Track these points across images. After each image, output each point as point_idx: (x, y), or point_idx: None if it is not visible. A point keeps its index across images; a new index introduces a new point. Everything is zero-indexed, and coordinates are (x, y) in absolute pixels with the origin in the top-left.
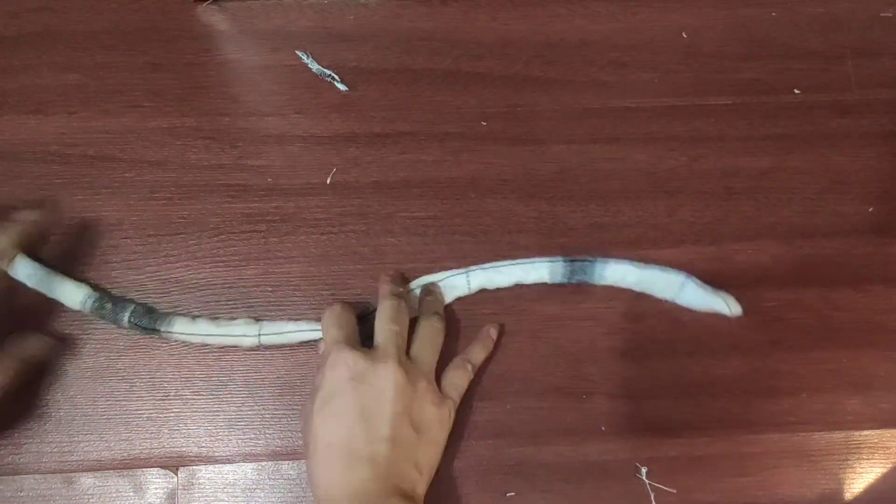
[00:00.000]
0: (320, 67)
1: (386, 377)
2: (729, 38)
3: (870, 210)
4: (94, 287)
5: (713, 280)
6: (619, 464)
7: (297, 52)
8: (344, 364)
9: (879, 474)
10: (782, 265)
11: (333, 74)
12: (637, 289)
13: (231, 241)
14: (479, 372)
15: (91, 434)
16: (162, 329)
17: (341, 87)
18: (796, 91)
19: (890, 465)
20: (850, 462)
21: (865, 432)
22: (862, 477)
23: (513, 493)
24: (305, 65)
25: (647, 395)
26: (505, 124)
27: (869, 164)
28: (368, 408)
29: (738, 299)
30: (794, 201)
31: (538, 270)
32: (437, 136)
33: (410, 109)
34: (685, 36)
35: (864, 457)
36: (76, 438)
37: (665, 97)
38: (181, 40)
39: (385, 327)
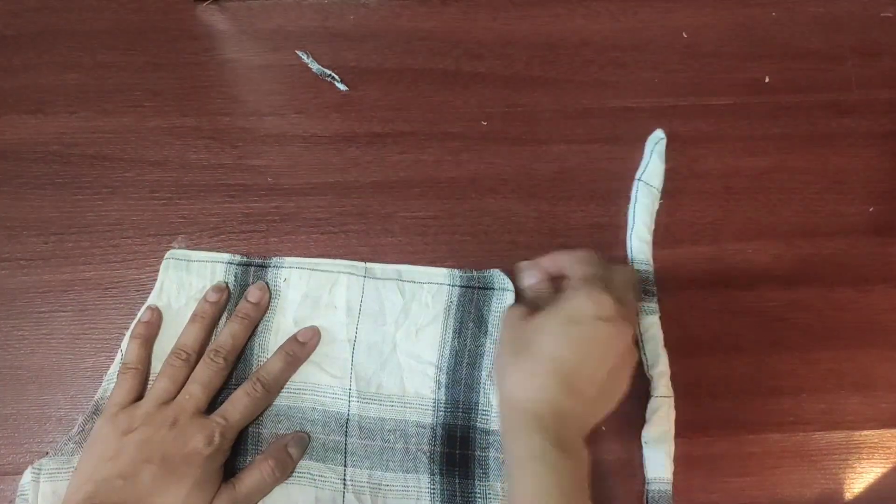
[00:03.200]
0: (320, 67)
1: (626, 336)
2: (729, 38)
3: (870, 210)
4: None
5: (713, 280)
6: (619, 464)
7: (297, 52)
8: (597, 302)
9: (879, 474)
10: (782, 265)
11: (333, 74)
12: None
13: (231, 241)
14: None
15: None
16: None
17: (341, 87)
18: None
19: (890, 465)
20: (850, 462)
21: (865, 432)
22: (862, 477)
23: None
24: (305, 65)
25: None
26: (505, 124)
27: (869, 164)
28: (601, 352)
29: (738, 299)
30: (794, 201)
31: None
32: (437, 136)
33: (410, 109)
34: (685, 36)
35: (864, 457)
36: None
37: (665, 97)
38: (181, 40)
39: (624, 294)
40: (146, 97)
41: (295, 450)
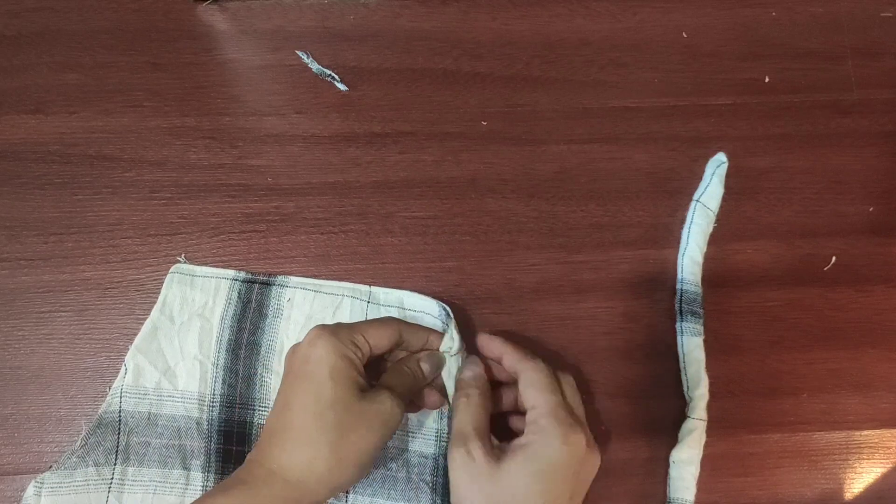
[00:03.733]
0: (320, 67)
1: (597, 465)
2: (729, 38)
3: (870, 210)
4: None
5: (713, 280)
6: (619, 464)
7: (297, 52)
8: (574, 448)
9: (879, 474)
10: (782, 265)
11: (333, 74)
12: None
13: (231, 241)
14: None
15: None
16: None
17: (341, 87)
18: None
19: (890, 465)
20: (850, 462)
21: (865, 432)
22: (862, 477)
23: None
24: (305, 65)
25: (647, 395)
26: (505, 124)
27: (869, 164)
28: (581, 494)
29: (738, 299)
30: (794, 201)
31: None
32: (437, 136)
33: (410, 109)
34: (685, 36)
35: (864, 457)
36: (76, 438)
37: (665, 97)
38: (181, 40)
39: (577, 406)
40: (146, 97)
41: (427, 364)
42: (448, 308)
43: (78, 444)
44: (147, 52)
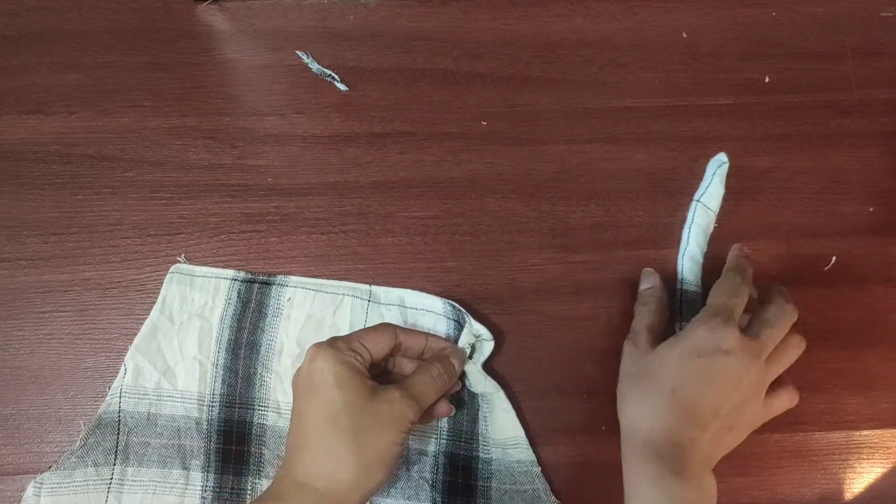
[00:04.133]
0: (320, 67)
1: (750, 370)
2: (729, 38)
3: (870, 210)
4: None
5: (714, 280)
6: (619, 464)
7: (297, 52)
8: (719, 336)
9: (879, 474)
10: (782, 265)
11: (333, 74)
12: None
13: (231, 241)
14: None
15: None
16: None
17: (341, 87)
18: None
19: (890, 465)
20: (850, 462)
21: (865, 432)
22: (862, 477)
23: None
24: (305, 65)
25: None
26: (505, 124)
27: (869, 164)
28: (723, 385)
29: None
30: (794, 201)
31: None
32: (437, 136)
33: (410, 109)
34: (685, 36)
35: (864, 457)
36: (76, 438)
37: (665, 97)
38: (181, 40)
39: (763, 328)
40: (146, 97)
41: (456, 361)
42: (454, 303)
43: (77, 444)
44: (147, 51)
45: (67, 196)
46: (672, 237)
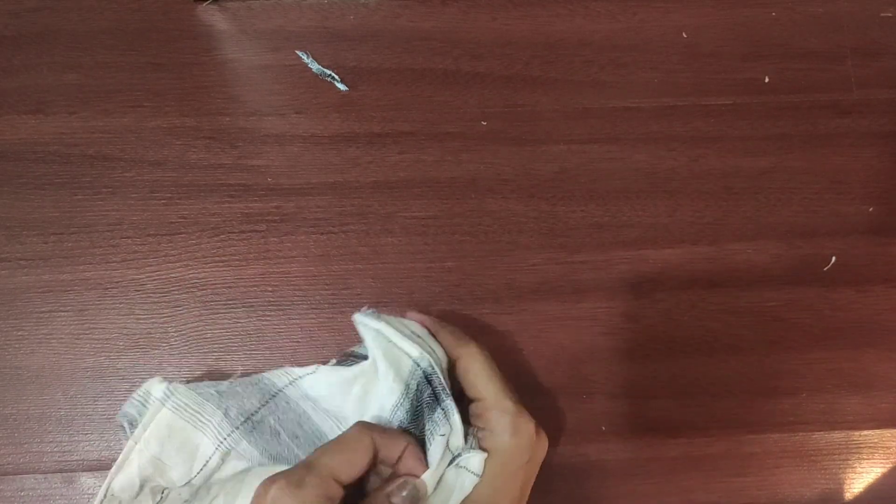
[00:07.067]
0: (320, 67)
1: (544, 446)
2: (729, 38)
3: (870, 210)
4: None
5: (713, 280)
6: (619, 464)
7: (297, 52)
8: (525, 440)
9: (879, 474)
10: (782, 265)
11: (333, 74)
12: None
13: (231, 241)
14: None
15: (91, 434)
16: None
17: (341, 87)
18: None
19: (890, 465)
20: (850, 462)
21: (865, 432)
22: (862, 477)
23: None
24: (305, 65)
25: (647, 395)
26: (505, 124)
27: (869, 164)
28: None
29: (738, 299)
30: (794, 201)
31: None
32: (437, 136)
33: (410, 109)
34: (685, 36)
35: (864, 457)
36: (76, 438)
37: (665, 97)
38: (181, 40)
39: (505, 391)
40: (146, 97)
41: (399, 500)
42: (430, 360)
43: (225, 384)
44: (147, 52)
45: (67, 196)
46: (672, 237)
